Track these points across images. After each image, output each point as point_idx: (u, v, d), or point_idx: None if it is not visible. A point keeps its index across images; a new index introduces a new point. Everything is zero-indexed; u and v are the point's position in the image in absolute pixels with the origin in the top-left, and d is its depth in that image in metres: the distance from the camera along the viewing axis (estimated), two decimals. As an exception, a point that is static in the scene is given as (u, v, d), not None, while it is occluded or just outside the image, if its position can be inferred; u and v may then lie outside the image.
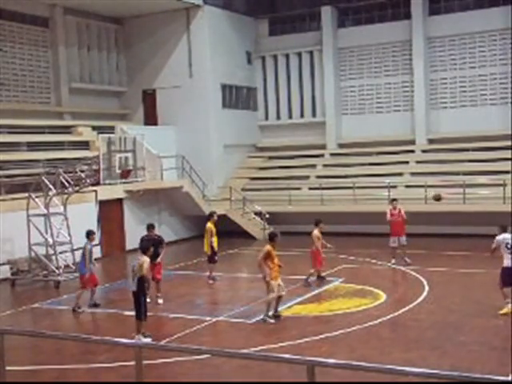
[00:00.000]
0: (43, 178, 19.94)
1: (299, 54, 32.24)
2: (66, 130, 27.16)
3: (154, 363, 10.81)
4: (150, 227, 16.56)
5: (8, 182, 22.09)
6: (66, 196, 20.16)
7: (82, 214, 21.93)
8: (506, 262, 13.51)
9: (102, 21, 29.83)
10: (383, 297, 15.86)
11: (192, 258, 22.36)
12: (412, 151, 29.49)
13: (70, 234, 19.49)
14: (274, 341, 12.47)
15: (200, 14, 29.32)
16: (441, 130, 29.74)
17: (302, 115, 32.52)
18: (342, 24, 31.55)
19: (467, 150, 28.13)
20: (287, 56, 32.48)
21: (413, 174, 28.10)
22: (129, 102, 31.10)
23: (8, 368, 7.58)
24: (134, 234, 22.11)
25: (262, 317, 14.00)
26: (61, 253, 19.63)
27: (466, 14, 28.84)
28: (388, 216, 20.03)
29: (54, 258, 19.38)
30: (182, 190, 26.08)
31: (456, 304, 14.95)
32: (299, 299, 15.86)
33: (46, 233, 19.60)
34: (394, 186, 26.68)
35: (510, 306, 13.57)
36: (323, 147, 31.41)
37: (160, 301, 15.97)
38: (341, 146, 31.47)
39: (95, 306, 15.98)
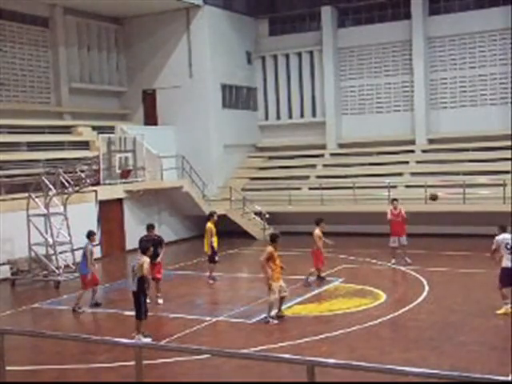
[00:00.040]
0: (43, 177, 19.94)
1: (299, 54, 32.25)
2: (66, 129, 27.17)
3: (154, 363, 10.81)
4: (150, 227, 16.56)
5: (8, 181, 22.09)
6: (65, 196, 20.16)
7: (82, 213, 21.94)
8: (506, 263, 13.48)
9: (102, 21, 29.83)
10: (383, 297, 15.86)
11: (192, 258, 22.37)
12: (412, 151, 29.50)
13: (69, 234, 19.49)
14: (274, 341, 12.47)
15: (200, 14, 29.33)
16: (441, 130, 29.75)
17: (302, 115, 32.53)
18: (341, 24, 31.55)
19: (467, 149, 28.13)
20: (287, 56, 32.48)
21: (413, 174, 28.10)
22: (129, 101, 31.10)
23: (8, 368, 7.59)
24: (133, 233, 22.10)
25: (264, 318, 13.95)
26: (61, 253, 19.63)
27: (466, 14, 28.85)
28: (388, 215, 20.06)
29: (53, 258, 19.38)
30: (181, 190, 26.08)
31: (456, 304, 14.95)
32: (299, 299, 15.86)
33: (46, 233, 19.60)
34: (394, 186, 26.69)
35: (508, 306, 13.57)
36: (323, 147, 31.41)
37: (160, 301, 15.97)
38: (341, 146, 31.47)
39: (97, 305, 16.00)
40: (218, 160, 29.88)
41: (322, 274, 18.03)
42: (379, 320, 13.73)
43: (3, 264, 19.67)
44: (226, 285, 18.86)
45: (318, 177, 29.47)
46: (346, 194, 27.07)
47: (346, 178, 28.29)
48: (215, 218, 18.83)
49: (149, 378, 8.35)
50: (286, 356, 7.84)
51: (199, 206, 26.50)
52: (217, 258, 18.64)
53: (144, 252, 13.17)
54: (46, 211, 19.52)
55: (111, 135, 25.35)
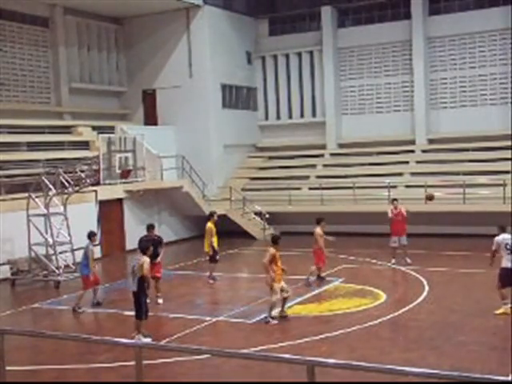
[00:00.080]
0: (43, 177, 19.93)
1: (299, 54, 32.25)
2: (66, 129, 27.17)
3: (154, 363, 10.81)
4: (150, 228, 16.57)
5: (8, 181, 22.09)
6: (65, 196, 20.16)
7: (82, 213, 21.95)
8: (505, 263, 13.47)
9: (102, 21, 29.83)
10: (383, 297, 15.86)
11: (192, 258, 22.37)
12: (412, 151, 29.50)
13: (69, 234, 19.49)
14: (273, 341, 12.47)
15: (200, 14, 29.33)
16: (441, 130, 29.75)
17: (302, 115, 32.53)
18: (341, 24, 31.55)
19: (467, 149, 28.13)
20: (287, 56, 32.48)
21: (413, 174, 28.10)
22: (129, 102, 31.10)
23: (8, 368, 7.59)
24: (133, 234, 22.09)
25: (264, 318, 13.95)
26: (61, 253, 19.62)
27: (466, 14, 28.85)
28: (389, 213, 20.06)
29: (53, 258, 19.37)
30: (181, 190, 26.08)
31: (456, 304, 14.94)
32: (299, 299, 15.85)
33: (46, 233, 19.60)
34: (394, 186, 26.69)
35: (508, 306, 13.55)
36: (323, 147, 31.41)
37: (160, 301, 15.97)
38: (341, 146, 31.47)
39: (98, 304, 16.01)
40: (217, 160, 29.88)
41: (322, 274, 18.03)
42: (379, 320, 13.73)
43: (3, 264, 19.67)
44: (226, 285, 18.86)
45: (318, 177, 29.47)
46: (346, 194, 27.06)
47: (345, 178, 28.29)
48: (215, 217, 18.83)
49: (149, 378, 8.35)
50: (286, 356, 7.83)
51: (199, 206, 26.50)
52: (217, 257, 18.65)
53: (144, 252, 13.17)
54: (45, 211, 19.52)
55: (111, 135, 25.34)
